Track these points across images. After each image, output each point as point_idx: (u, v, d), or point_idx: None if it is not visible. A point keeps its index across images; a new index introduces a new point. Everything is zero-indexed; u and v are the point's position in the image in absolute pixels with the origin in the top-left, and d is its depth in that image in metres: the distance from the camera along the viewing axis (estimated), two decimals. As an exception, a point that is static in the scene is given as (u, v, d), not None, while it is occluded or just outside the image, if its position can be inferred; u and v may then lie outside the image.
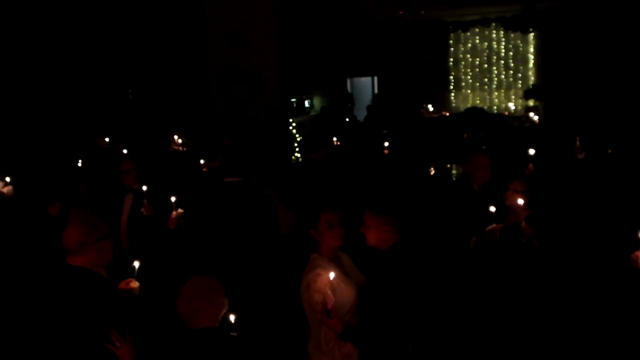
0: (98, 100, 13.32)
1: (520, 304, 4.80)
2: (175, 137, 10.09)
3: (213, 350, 3.26)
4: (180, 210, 5.43)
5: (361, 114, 16.57)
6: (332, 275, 3.58)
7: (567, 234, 5.01)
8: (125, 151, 8.54)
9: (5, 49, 11.22)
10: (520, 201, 4.93)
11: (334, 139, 10.12)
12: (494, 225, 4.99)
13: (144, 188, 5.96)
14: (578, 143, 7.47)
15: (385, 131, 14.24)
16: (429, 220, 5.47)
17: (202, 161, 8.67)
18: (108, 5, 12.69)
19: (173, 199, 5.44)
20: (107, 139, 9.48)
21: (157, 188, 6.11)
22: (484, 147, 5.61)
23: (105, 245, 3.50)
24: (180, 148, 9.98)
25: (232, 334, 3.52)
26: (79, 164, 8.02)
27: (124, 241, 5.99)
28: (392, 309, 3.39)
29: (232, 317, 3.53)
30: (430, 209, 5.80)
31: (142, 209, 5.88)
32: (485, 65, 17.09)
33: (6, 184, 6.87)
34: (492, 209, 5.00)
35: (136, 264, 3.98)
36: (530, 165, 6.86)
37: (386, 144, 9.20)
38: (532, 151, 7.09)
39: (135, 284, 3.83)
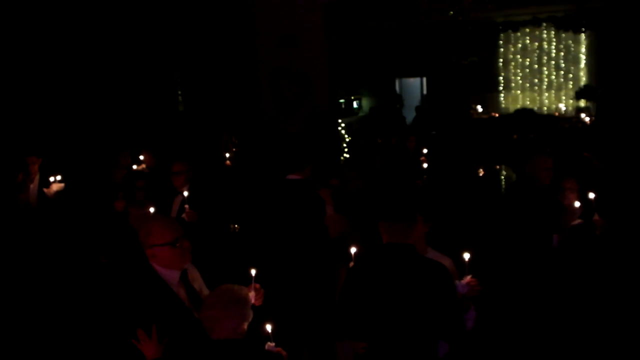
0: (148, 102, 13.57)
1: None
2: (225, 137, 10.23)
3: None
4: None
5: (410, 114, 16.53)
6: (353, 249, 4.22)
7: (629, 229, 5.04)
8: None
9: (65, 51, 11.53)
10: (577, 203, 5.04)
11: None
12: (578, 220, 5.05)
13: (185, 193, 5.90)
14: None
15: (433, 132, 14.20)
16: (497, 223, 5.46)
17: (227, 155, 8.83)
18: (159, 6, 12.93)
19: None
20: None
21: (201, 192, 6.07)
22: (547, 150, 5.53)
23: (159, 251, 3.44)
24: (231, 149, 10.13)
25: (269, 343, 3.46)
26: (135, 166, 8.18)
27: None
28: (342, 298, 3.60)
29: (268, 327, 3.47)
30: (494, 212, 5.78)
31: (183, 215, 5.77)
32: (536, 66, 16.86)
33: (56, 181, 7.11)
34: (577, 204, 5.09)
35: (253, 271, 3.77)
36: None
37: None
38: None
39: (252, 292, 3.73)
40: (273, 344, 3.48)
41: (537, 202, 5.19)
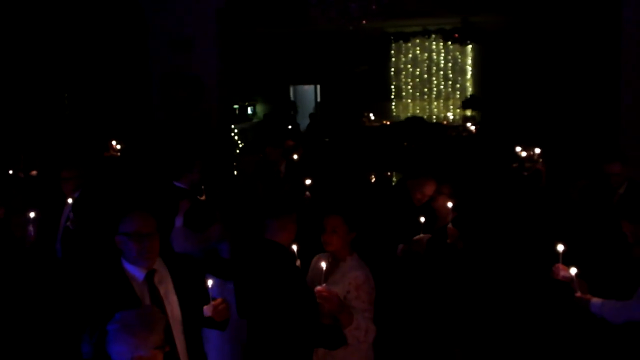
0: (32, 105, 12.98)
1: (442, 304, 5.00)
2: (114, 142, 9.94)
3: None
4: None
5: (304, 121, 16.65)
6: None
7: (491, 238, 5.22)
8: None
9: None
10: (449, 204, 5.13)
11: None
12: (421, 235, 5.11)
13: (69, 201, 5.77)
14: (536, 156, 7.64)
15: (327, 139, 14.36)
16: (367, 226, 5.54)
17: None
18: (45, 5, 12.41)
19: None
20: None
21: (89, 199, 5.90)
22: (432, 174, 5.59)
23: (123, 240, 3.47)
24: (118, 154, 9.85)
25: None
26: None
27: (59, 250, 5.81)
28: None
29: None
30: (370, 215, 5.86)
31: (68, 223, 5.63)
32: (425, 76, 17.43)
33: None
34: (422, 219, 5.13)
35: (210, 282, 3.60)
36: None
37: (295, 156, 9.13)
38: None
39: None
40: None
41: (396, 212, 5.33)
